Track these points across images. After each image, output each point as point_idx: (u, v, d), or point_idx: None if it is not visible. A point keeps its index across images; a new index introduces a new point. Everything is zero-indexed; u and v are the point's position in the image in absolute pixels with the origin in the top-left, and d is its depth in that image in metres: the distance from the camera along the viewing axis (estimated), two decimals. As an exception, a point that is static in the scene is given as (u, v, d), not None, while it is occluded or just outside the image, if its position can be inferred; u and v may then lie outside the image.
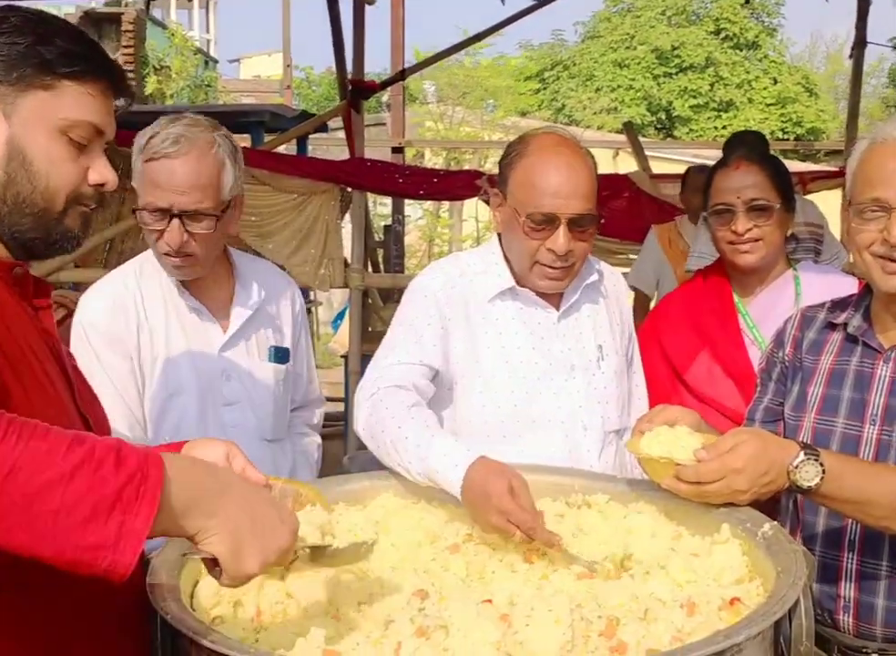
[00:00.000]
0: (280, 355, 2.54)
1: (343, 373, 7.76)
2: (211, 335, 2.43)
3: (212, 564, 1.29)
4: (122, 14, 18.48)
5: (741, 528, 1.67)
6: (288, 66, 13.79)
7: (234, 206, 2.38)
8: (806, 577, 1.44)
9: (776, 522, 1.66)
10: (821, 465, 1.74)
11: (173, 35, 22.60)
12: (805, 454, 1.74)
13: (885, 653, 1.94)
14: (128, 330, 2.36)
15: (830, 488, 1.75)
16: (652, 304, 5.38)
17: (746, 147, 4.18)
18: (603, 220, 2.27)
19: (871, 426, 1.96)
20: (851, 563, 1.96)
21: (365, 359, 6.93)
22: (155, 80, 20.33)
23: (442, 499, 1.95)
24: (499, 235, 2.40)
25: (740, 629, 1.27)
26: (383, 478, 2.02)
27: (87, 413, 1.59)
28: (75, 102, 1.45)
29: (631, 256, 7.01)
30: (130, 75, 19.04)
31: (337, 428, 6.90)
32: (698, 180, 5.17)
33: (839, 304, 2.14)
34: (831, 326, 2.11)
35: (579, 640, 1.30)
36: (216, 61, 28.03)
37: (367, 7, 7.16)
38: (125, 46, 19.13)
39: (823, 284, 2.65)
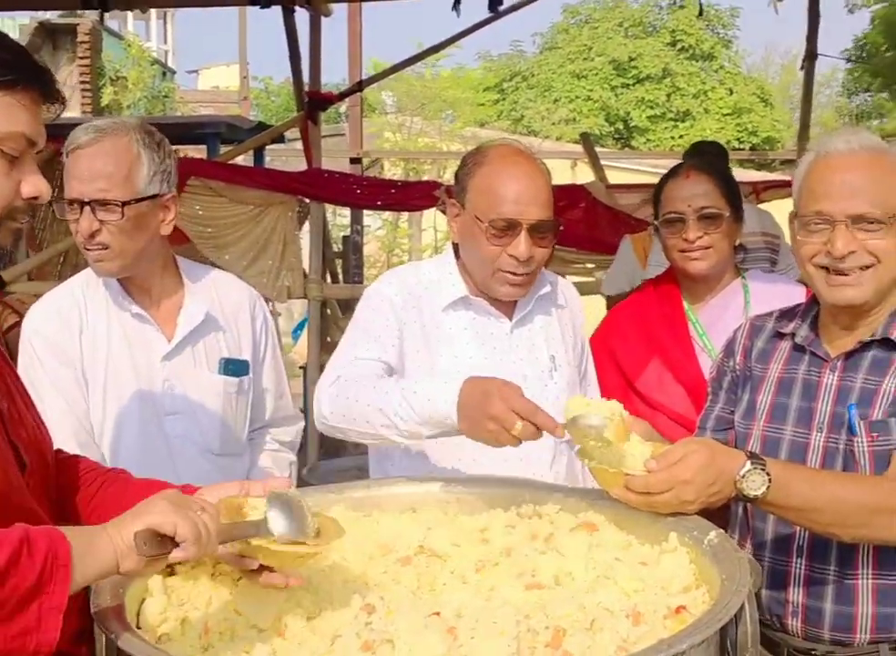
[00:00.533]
0: (234, 368, 2.51)
1: (303, 383, 7.73)
2: (155, 343, 2.41)
3: (167, 547, 1.35)
4: (78, 25, 18.29)
5: (688, 537, 1.68)
6: (244, 77, 13.76)
7: (162, 206, 2.36)
8: (750, 584, 1.46)
9: (722, 530, 1.67)
10: (767, 474, 1.76)
11: (130, 46, 22.45)
12: (751, 463, 1.76)
13: (832, 655, 1.97)
14: (71, 338, 2.36)
15: (777, 497, 1.77)
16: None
17: (705, 156, 4.25)
18: (561, 228, 2.30)
19: (819, 434, 1.99)
20: (800, 568, 1.98)
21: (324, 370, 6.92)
22: (111, 91, 20.16)
23: (395, 511, 1.95)
24: (454, 245, 2.42)
25: (683, 637, 1.29)
26: (335, 492, 2.01)
27: (17, 439, 1.59)
28: (5, 113, 1.41)
29: (588, 265, 7.08)
30: (86, 86, 18.87)
31: (297, 439, 6.88)
32: None
33: (786, 314, 2.17)
34: (780, 335, 2.14)
35: (525, 651, 1.31)
36: (173, 72, 27.87)
37: (323, 19, 7.17)
38: (81, 58, 18.95)
39: (772, 293, 2.69)
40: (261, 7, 6.73)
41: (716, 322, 2.71)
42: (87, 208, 2.27)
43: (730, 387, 2.21)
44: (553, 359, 2.40)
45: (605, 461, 1.80)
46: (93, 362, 2.37)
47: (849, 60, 18.46)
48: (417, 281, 2.38)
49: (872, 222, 1.90)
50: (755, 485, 1.75)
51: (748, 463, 1.76)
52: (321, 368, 7.60)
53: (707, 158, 4.03)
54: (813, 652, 1.99)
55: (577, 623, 1.41)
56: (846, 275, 1.92)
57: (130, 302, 2.40)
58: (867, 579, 1.94)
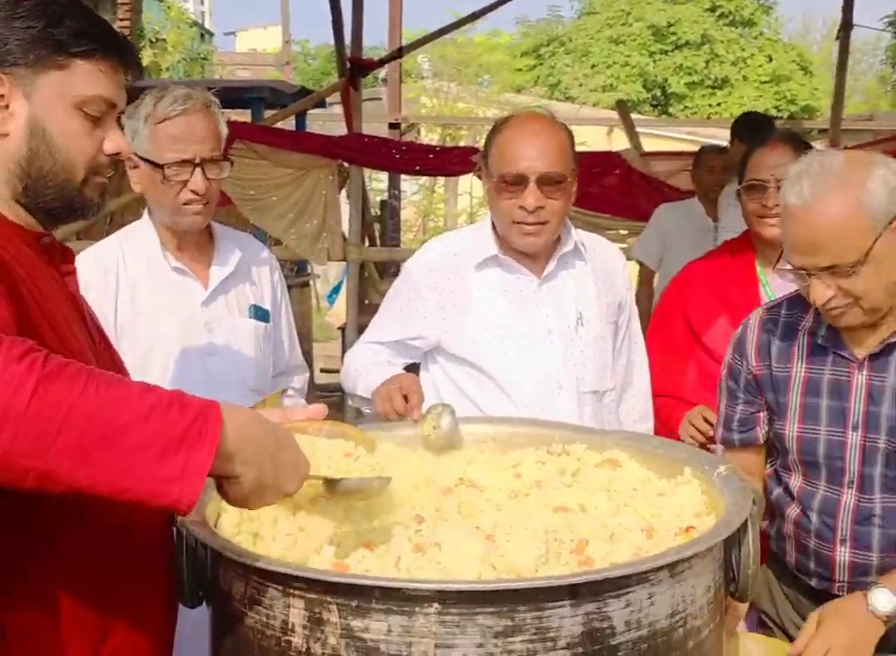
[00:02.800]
0: (261, 314, 2.79)
1: (340, 345, 7.97)
2: (193, 292, 2.66)
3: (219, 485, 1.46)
4: (118, -14, 18.42)
5: (701, 471, 1.87)
6: (287, 41, 13.88)
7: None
8: (753, 509, 1.65)
9: (731, 465, 1.86)
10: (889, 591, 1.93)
11: (169, 7, 22.61)
12: (870, 598, 1.94)
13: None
14: (107, 291, 2.58)
15: None
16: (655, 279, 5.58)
17: (758, 129, 4.38)
18: (567, 180, 2.46)
19: (854, 433, 2.08)
20: (844, 554, 2.15)
21: (362, 331, 7.16)
22: (150, 53, 20.37)
23: (438, 448, 2.17)
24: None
25: (690, 546, 1.49)
26: (385, 430, 2.23)
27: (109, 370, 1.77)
28: (87, 79, 1.57)
29: (622, 231, 7.22)
30: (127, 48, 19.06)
31: (335, 398, 7.14)
32: (711, 160, 5.37)
33: (795, 304, 2.23)
34: (793, 330, 2.21)
35: (552, 555, 1.52)
36: (211, 34, 28.02)
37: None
38: (121, 19, 19.05)
39: None
40: (305, -27, 6.86)
41: (786, 285, 2.86)
42: (199, 167, 2.53)
43: (748, 388, 2.28)
44: (580, 315, 2.58)
45: None
46: (131, 310, 2.59)
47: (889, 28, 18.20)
48: (445, 250, 2.62)
49: (844, 269, 1.94)
50: (881, 602, 1.93)
51: (869, 598, 1.94)
52: (360, 330, 7.83)
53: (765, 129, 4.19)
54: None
55: (598, 537, 1.62)
56: (835, 310, 2.01)
57: (169, 255, 2.65)
58: None
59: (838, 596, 2.11)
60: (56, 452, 1.22)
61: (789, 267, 2.02)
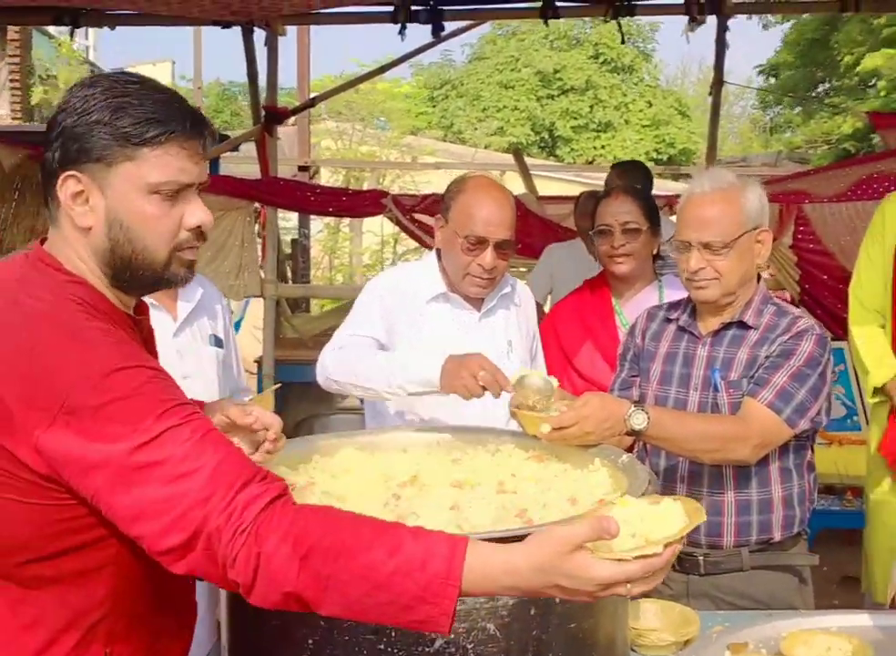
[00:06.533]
0: (218, 342, 3.24)
1: (257, 376, 8.27)
2: (164, 324, 3.05)
3: None
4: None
5: (608, 459, 2.37)
6: (199, 88, 14.11)
7: None
8: (648, 482, 2.14)
9: (631, 454, 2.37)
10: (646, 413, 2.46)
11: (60, 44, 22.45)
12: (634, 406, 2.47)
13: (708, 556, 2.70)
14: None
15: (655, 430, 2.47)
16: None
17: (629, 175, 5.01)
18: (519, 245, 2.99)
19: (694, 392, 2.74)
20: (682, 491, 2.71)
21: (278, 363, 7.47)
22: (41, 90, 20.19)
23: (391, 451, 2.60)
24: (437, 250, 3.09)
25: (603, 507, 1.97)
26: (345, 437, 2.66)
27: None
28: (156, 166, 1.57)
29: (521, 269, 7.80)
30: (16, 85, 18.91)
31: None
32: (588, 205, 5.94)
33: (674, 305, 2.93)
34: (668, 320, 2.89)
35: (503, 517, 1.99)
36: (102, 71, 27.74)
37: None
38: (10, 56, 18.96)
39: (679, 293, 3.44)
40: (223, 28, 7.25)
41: (635, 313, 3.43)
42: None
43: (633, 359, 2.95)
44: (510, 343, 3.11)
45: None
46: None
47: (755, 87, 19.70)
48: (406, 277, 3.10)
49: (716, 247, 2.58)
50: (638, 420, 2.44)
51: (633, 406, 2.47)
52: (276, 362, 8.03)
53: (634, 178, 4.81)
54: (694, 554, 2.71)
55: (534, 506, 2.09)
56: (702, 281, 2.65)
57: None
58: (730, 495, 2.68)
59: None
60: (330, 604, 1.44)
61: (678, 241, 2.64)
